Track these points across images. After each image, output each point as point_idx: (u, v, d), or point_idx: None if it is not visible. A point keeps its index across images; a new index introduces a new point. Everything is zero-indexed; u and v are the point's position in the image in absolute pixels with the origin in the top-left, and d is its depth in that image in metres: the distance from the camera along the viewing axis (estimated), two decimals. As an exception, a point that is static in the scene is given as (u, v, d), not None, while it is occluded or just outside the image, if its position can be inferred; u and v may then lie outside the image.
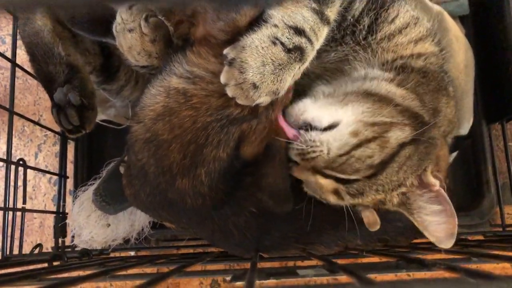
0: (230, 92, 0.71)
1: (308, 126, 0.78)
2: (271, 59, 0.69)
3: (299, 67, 0.73)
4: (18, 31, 1.07)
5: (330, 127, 0.77)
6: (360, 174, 0.75)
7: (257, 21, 0.73)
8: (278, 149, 0.79)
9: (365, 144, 0.74)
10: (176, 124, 0.76)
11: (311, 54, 0.74)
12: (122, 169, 1.06)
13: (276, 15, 0.71)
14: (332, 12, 0.76)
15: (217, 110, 0.74)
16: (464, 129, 1.20)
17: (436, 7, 1.20)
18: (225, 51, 0.71)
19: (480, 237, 1.17)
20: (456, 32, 1.21)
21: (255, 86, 0.69)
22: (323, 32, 0.75)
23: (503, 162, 1.28)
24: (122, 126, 1.29)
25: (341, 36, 0.83)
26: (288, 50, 0.70)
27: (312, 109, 0.79)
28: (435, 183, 0.77)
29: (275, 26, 0.71)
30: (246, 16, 0.73)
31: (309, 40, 0.72)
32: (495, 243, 1.06)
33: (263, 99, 0.71)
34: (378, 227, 0.82)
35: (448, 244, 0.74)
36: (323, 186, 0.78)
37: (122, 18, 0.85)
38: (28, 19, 1.04)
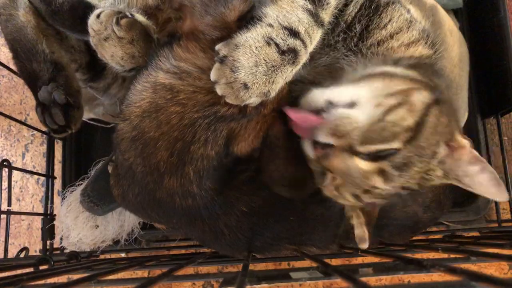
0: (219, 90, 0.68)
1: (330, 105, 0.72)
2: (264, 60, 0.68)
3: (292, 70, 0.71)
4: (0, 27, 1.04)
5: (351, 105, 0.72)
6: (400, 139, 0.70)
7: (246, 17, 0.72)
8: (275, 140, 0.76)
9: (393, 109, 0.70)
10: (163, 120, 0.74)
11: (304, 57, 0.72)
12: (110, 169, 1.04)
13: (271, 14, 0.70)
14: (326, 15, 0.75)
15: (205, 106, 0.72)
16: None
17: (430, 1, 1.18)
18: (217, 47, 0.69)
19: (476, 234, 1.16)
20: (450, 26, 1.19)
21: (246, 87, 0.67)
22: (317, 35, 0.74)
23: (498, 156, 1.26)
24: (110, 124, 1.27)
25: (334, 41, 0.81)
26: (282, 52, 0.68)
27: (329, 91, 0.74)
28: (466, 143, 0.74)
29: (270, 25, 0.69)
30: (235, 11, 0.71)
31: (303, 42, 0.71)
32: (492, 239, 1.05)
33: (253, 100, 0.69)
34: (366, 245, 0.80)
35: (504, 195, 0.72)
36: (366, 171, 0.72)
37: (94, 29, 0.83)
38: (11, 15, 1.01)
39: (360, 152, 0.71)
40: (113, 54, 0.85)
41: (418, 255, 0.95)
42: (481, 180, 0.73)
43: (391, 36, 0.83)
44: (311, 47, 0.73)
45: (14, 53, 1.01)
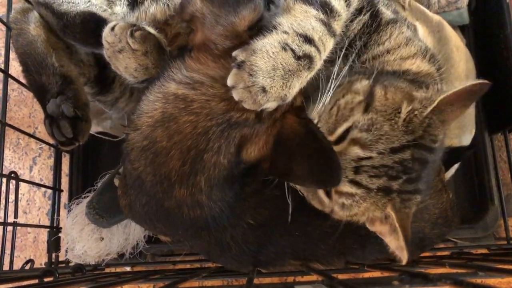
0: (237, 95, 0.69)
1: None
2: (281, 64, 0.69)
3: (307, 75, 0.72)
4: (11, 41, 1.06)
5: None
6: (358, 111, 0.75)
7: (256, 26, 0.74)
8: (289, 142, 0.76)
9: (341, 97, 0.77)
10: (176, 130, 0.74)
11: (318, 63, 0.74)
12: (116, 181, 1.05)
13: (285, 22, 0.72)
14: (338, 26, 0.77)
15: (218, 114, 0.73)
16: (466, 140, 1.19)
17: (436, 17, 1.19)
18: (234, 53, 0.70)
19: (485, 251, 1.14)
20: (456, 42, 1.20)
21: (264, 90, 0.68)
22: (330, 44, 0.76)
23: (507, 173, 1.25)
24: (118, 138, 1.27)
25: (336, 57, 0.83)
26: (298, 57, 0.70)
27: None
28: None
29: (285, 32, 0.71)
30: (245, 20, 0.73)
31: (318, 49, 0.72)
32: (501, 256, 1.03)
33: (270, 104, 0.70)
34: (405, 258, 0.77)
35: None
36: (341, 149, 0.75)
37: (108, 42, 0.85)
38: (22, 29, 1.03)
39: (332, 141, 0.75)
40: (127, 66, 0.86)
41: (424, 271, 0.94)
42: None
43: (388, 51, 0.85)
44: (324, 54, 0.75)
45: (24, 66, 1.02)
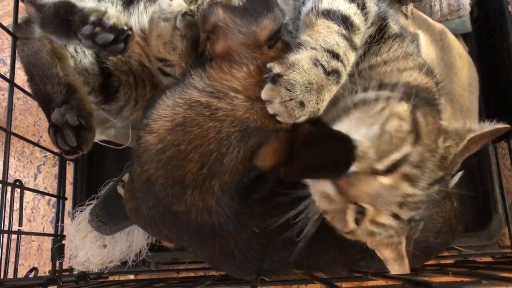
0: (272, 109, 0.71)
1: None
2: (315, 79, 0.71)
3: (335, 89, 0.75)
4: (17, 51, 1.07)
5: None
6: (408, 142, 0.73)
7: (275, 36, 0.77)
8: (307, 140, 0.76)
9: (387, 121, 0.74)
10: (199, 134, 0.76)
11: (344, 77, 0.76)
12: (119, 189, 1.05)
13: (310, 40, 0.74)
14: (358, 39, 0.79)
15: (242, 122, 0.75)
16: (470, 148, 1.18)
17: (439, 26, 1.19)
18: (269, 65, 0.72)
19: (489, 259, 1.13)
20: (459, 50, 1.20)
21: (302, 105, 0.70)
22: (352, 58, 0.78)
23: (511, 181, 1.25)
24: (122, 146, 1.28)
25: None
26: (328, 73, 0.72)
27: None
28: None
29: (314, 48, 0.73)
30: (265, 30, 0.75)
31: (343, 64, 0.74)
32: (505, 265, 1.03)
33: (304, 118, 0.72)
34: (405, 266, 0.78)
35: None
36: (392, 183, 0.72)
37: (160, 7, 0.88)
38: (27, 38, 1.04)
39: (380, 170, 0.72)
40: (160, 35, 0.89)
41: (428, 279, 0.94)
42: None
43: (385, 63, 0.86)
44: (348, 68, 0.77)
45: (29, 75, 1.03)
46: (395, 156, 0.72)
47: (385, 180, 0.72)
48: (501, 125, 0.77)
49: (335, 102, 0.80)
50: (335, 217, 0.80)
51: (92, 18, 0.86)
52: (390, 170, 0.72)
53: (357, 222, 0.76)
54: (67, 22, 0.89)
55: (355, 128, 0.74)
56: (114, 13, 0.88)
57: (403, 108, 0.76)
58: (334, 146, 0.72)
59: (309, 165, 0.75)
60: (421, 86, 0.86)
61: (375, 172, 0.72)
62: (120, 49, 0.89)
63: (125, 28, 0.88)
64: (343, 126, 0.75)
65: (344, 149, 0.69)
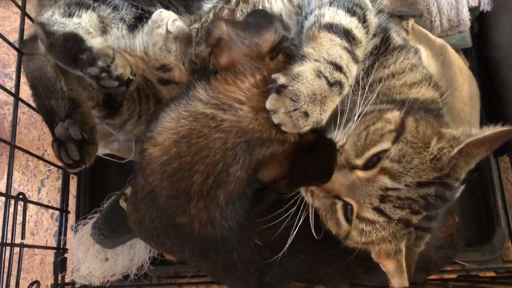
0: (277, 119, 0.73)
1: None
2: (319, 90, 0.73)
3: (337, 100, 0.77)
4: (22, 66, 1.08)
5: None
6: (388, 139, 0.76)
7: (277, 48, 0.80)
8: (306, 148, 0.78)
9: (373, 124, 0.78)
10: (205, 145, 0.77)
11: (347, 89, 0.78)
12: (122, 203, 1.06)
13: (313, 52, 0.76)
14: (360, 52, 0.81)
15: (247, 133, 0.76)
16: (472, 162, 1.18)
17: (439, 41, 1.20)
18: (274, 76, 0.75)
19: (492, 274, 1.13)
20: (459, 65, 1.21)
21: (306, 115, 0.72)
22: (354, 70, 0.79)
23: (513, 195, 1.25)
24: (125, 160, 1.29)
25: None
26: (331, 84, 0.74)
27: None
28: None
29: (317, 60, 0.75)
30: (267, 42, 0.78)
31: (346, 76, 0.76)
32: (508, 279, 1.02)
33: (308, 128, 0.73)
34: (403, 279, 0.78)
35: None
36: (369, 176, 0.75)
37: (153, 19, 0.93)
38: (33, 54, 1.06)
39: (358, 165, 0.76)
40: (155, 43, 0.93)
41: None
42: None
43: (393, 75, 0.87)
44: (351, 80, 0.79)
45: (34, 90, 1.04)
46: (373, 150, 0.75)
47: (361, 173, 0.76)
48: (501, 128, 0.77)
49: (341, 115, 0.81)
50: (327, 217, 0.82)
51: (100, 63, 0.89)
52: (369, 166, 0.76)
53: (348, 221, 0.78)
54: (75, 56, 0.92)
55: (345, 130, 0.78)
56: (122, 62, 0.91)
57: (393, 114, 0.79)
58: (321, 153, 0.75)
59: (303, 174, 0.77)
60: (429, 100, 0.87)
61: (354, 167, 0.76)
62: (121, 91, 0.94)
63: (131, 78, 0.92)
64: (338, 132, 0.78)
65: (328, 155, 0.73)
